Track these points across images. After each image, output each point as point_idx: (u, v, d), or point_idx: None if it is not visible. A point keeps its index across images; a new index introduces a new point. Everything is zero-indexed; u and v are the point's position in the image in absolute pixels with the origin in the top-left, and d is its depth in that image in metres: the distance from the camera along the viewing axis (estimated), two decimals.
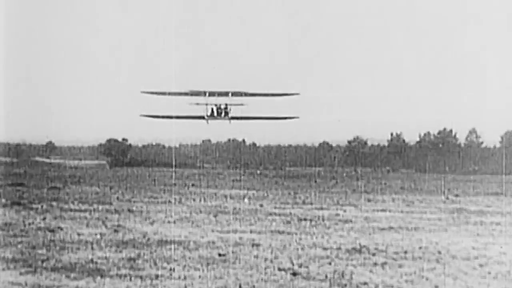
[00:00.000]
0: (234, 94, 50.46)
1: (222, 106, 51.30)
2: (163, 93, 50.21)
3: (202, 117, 50.59)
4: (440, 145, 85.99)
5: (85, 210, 45.93)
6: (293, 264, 30.79)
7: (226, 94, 50.57)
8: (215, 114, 50.92)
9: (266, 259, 31.74)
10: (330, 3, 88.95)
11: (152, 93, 50.03)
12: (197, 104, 50.95)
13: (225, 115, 51.18)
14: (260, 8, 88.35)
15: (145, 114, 51.13)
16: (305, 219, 43.84)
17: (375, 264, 31.18)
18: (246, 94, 50.22)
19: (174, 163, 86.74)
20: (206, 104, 50.66)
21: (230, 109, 51.26)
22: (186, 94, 49.86)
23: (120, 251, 32.88)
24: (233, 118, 51.45)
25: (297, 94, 50.81)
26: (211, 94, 50.46)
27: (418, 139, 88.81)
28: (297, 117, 51.38)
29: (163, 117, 51.42)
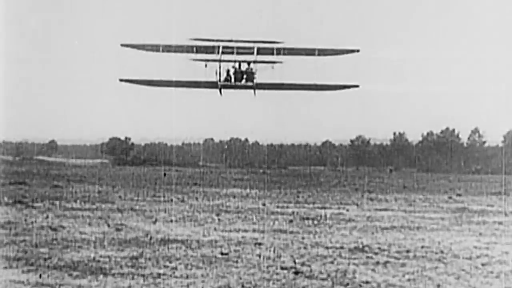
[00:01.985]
0: (262, 50, 36.53)
1: (243, 67, 36.79)
2: (152, 47, 36.25)
3: (213, 84, 36.70)
4: (443, 145, 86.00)
5: (87, 209, 45.93)
6: (295, 263, 30.78)
7: (248, 49, 36.53)
8: (233, 79, 36.54)
9: (268, 258, 31.72)
10: None
11: (133, 46, 36.70)
12: (206, 63, 36.32)
13: (247, 80, 36.71)
14: None
15: (125, 79, 37.30)
16: (307, 218, 43.83)
17: (378, 263, 31.16)
18: (280, 51, 36.41)
19: (176, 162, 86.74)
20: (220, 62, 36.39)
21: (255, 72, 36.63)
22: (189, 50, 36.50)
23: (123, 250, 32.88)
24: (260, 85, 36.76)
25: (357, 50, 37.04)
26: (227, 49, 36.48)
27: (421, 138, 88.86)
28: (357, 86, 37.44)
29: (152, 82, 37.26)
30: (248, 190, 60.40)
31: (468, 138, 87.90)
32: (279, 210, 47.90)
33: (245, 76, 36.87)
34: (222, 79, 36.58)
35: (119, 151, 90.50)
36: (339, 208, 48.96)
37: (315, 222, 42.50)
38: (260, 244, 34.89)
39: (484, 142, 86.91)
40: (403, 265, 30.90)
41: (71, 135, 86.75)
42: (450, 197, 56.62)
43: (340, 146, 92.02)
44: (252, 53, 36.50)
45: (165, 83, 37.25)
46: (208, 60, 36.62)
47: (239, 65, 36.89)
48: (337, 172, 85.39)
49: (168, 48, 36.28)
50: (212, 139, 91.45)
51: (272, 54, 36.50)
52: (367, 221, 43.00)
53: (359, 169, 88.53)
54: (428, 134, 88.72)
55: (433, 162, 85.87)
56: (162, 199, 52.48)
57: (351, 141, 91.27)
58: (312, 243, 35.34)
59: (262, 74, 37.19)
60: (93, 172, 78.05)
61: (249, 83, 36.80)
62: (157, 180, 69.09)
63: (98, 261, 30.56)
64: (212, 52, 36.52)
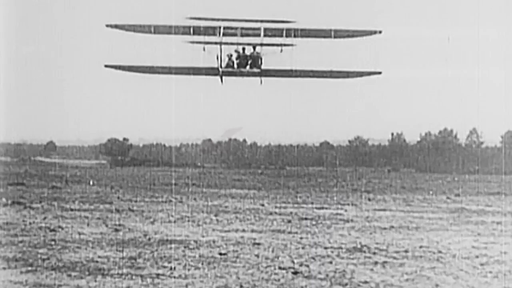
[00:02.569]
0: (269, 31, 32.73)
1: (248, 51, 33.22)
2: (142, 28, 32.21)
3: (213, 71, 32.92)
4: (441, 145, 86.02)
5: (85, 210, 45.92)
6: (294, 263, 30.78)
7: (254, 30, 32.56)
8: (236, 64, 32.86)
9: (267, 258, 31.73)
10: None
11: (120, 27, 32.33)
12: (204, 46, 32.34)
13: (253, 66, 32.93)
14: None
15: (111, 65, 33.13)
16: (306, 219, 43.83)
17: (376, 263, 31.16)
18: (290, 32, 32.45)
19: (174, 163, 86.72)
20: (221, 45, 32.47)
21: (261, 56, 32.88)
22: (185, 31, 32.33)
23: (121, 251, 32.87)
24: (267, 72, 32.97)
25: (379, 32, 33.26)
26: (229, 30, 32.61)
27: (419, 139, 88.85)
28: (380, 72, 33.75)
29: (140, 69, 32.76)
30: (246, 191, 60.41)
31: (466, 139, 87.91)
32: (277, 210, 47.91)
33: (250, 62, 32.94)
34: (223, 65, 32.77)
35: (117, 152, 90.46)
36: (337, 209, 48.97)
37: (314, 222, 42.50)
38: (258, 244, 34.89)
39: (482, 143, 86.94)
40: (402, 265, 30.92)
41: (69, 136, 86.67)
42: (448, 197, 56.64)
43: (338, 146, 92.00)
44: (259, 35, 32.71)
45: (156, 70, 33.13)
46: (207, 43, 32.76)
47: (243, 49, 33.38)
48: (335, 172, 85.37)
49: (160, 29, 32.50)
50: (210, 140, 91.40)
51: (282, 36, 32.78)
52: (365, 221, 43.01)
53: (357, 169, 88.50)
54: (426, 134, 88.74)
55: (431, 162, 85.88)
56: (160, 199, 52.48)
57: (350, 141, 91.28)
58: (311, 243, 35.35)
59: (270, 60, 33.35)
60: (91, 173, 78.03)
61: (255, 70, 32.94)
62: (155, 180, 69.09)
63: (97, 261, 30.55)
64: (212, 34, 32.66)
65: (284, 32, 32.74)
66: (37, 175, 71.16)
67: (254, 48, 33.36)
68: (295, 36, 32.89)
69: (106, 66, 33.41)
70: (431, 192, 60.14)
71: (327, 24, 33.45)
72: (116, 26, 32.48)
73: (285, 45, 33.00)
